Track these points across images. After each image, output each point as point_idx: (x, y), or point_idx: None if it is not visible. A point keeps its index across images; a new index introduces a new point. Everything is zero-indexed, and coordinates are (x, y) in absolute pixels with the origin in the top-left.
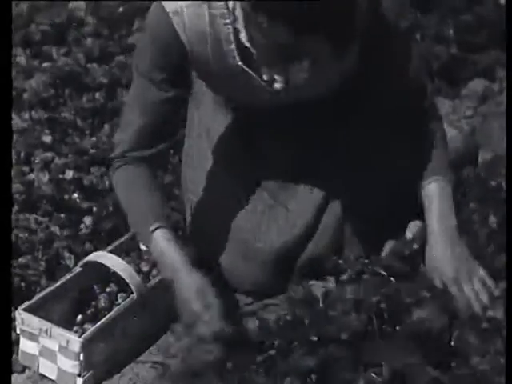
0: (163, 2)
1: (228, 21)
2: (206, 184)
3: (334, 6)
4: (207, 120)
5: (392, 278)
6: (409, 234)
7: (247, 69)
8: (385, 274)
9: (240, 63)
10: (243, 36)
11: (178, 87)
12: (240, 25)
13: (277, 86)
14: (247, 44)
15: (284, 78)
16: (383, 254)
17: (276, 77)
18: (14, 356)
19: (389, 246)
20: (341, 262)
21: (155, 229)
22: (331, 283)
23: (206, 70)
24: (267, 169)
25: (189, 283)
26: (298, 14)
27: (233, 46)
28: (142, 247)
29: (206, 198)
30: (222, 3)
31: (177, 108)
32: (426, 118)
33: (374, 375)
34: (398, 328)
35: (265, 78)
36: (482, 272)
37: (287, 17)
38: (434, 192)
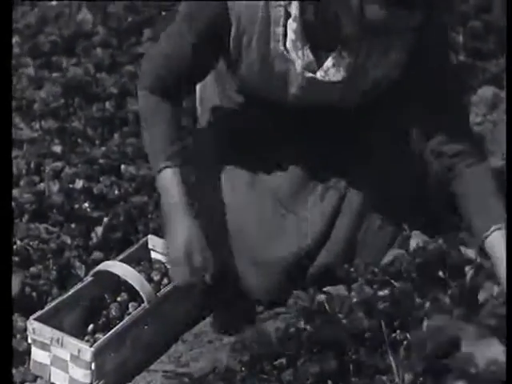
0: None
1: (282, 3)
2: (216, 189)
3: None
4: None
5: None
6: (413, 244)
7: (287, 54)
8: (394, 282)
9: (282, 48)
10: (292, 20)
11: (209, 57)
12: (293, 8)
13: (309, 74)
14: (294, 27)
15: (324, 69)
16: (384, 261)
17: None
18: (25, 366)
19: (392, 253)
20: (352, 270)
21: (164, 167)
22: (342, 291)
23: (246, 51)
24: (278, 176)
25: (181, 229)
26: None
27: (280, 30)
28: (153, 256)
29: (216, 205)
30: None
31: (204, 69)
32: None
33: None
34: (408, 336)
35: (300, 68)
36: None
37: None
38: (498, 243)
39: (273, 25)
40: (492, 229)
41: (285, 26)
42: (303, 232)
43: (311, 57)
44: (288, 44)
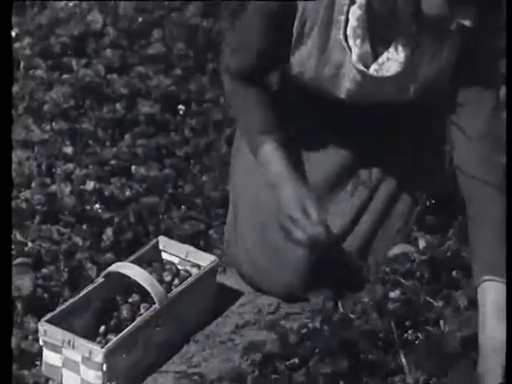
0: None
1: None
2: (247, 179)
3: None
4: None
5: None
6: (421, 244)
7: (344, 42)
8: (404, 281)
9: (341, 36)
10: (357, 7)
11: (281, 41)
12: None
13: (361, 67)
14: (357, 14)
15: (379, 63)
16: (390, 254)
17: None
18: (37, 367)
19: (397, 249)
20: (365, 269)
21: (262, 143)
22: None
23: (306, 38)
24: (311, 169)
25: (290, 190)
26: None
27: (342, 17)
28: (164, 257)
29: (246, 195)
30: None
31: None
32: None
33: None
34: (420, 336)
35: (355, 58)
36: None
37: None
38: (490, 296)
39: (336, 12)
40: (484, 278)
41: (347, 14)
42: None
43: (368, 47)
44: (348, 31)
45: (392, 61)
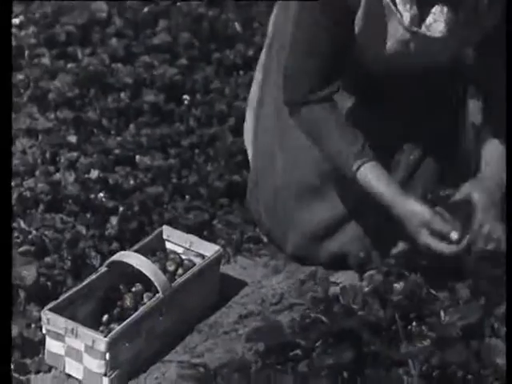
0: None
1: None
2: (267, 138)
3: None
4: None
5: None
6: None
7: (393, 7)
8: (409, 274)
9: (389, 0)
10: None
11: (341, 28)
12: None
13: (415, 28)
14: None
15: (426, 24)
16: (393, 251)
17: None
18: (40, 356)
19: (402, 245)
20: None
21: (358, 168)
22: (355, 281)
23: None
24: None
25: (407, 216)
26: None
27: None
28: (168, 247)
29: (266, 153)
30: None
31: (343, 48)
32: None
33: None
34: (424, 328)
35: (408, 21)
36: None
37: None
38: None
39: None
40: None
41: None
42: (337, 202)
43: (416, 10)
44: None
45: (439, 22)
